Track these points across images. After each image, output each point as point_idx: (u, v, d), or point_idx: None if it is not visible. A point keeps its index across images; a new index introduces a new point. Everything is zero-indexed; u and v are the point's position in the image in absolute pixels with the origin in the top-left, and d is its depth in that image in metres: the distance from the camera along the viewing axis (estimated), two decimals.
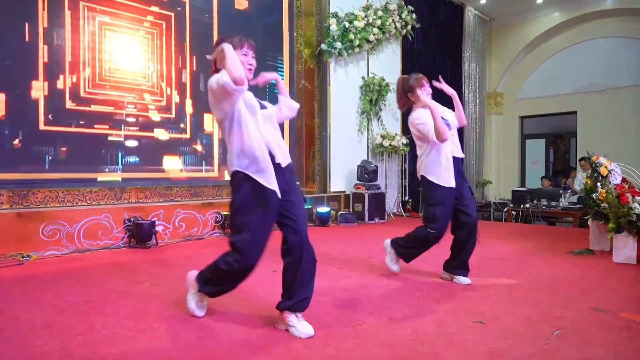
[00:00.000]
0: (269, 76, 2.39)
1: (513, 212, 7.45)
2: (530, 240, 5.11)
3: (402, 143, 7.39)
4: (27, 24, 4.27)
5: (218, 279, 2.27)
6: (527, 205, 7.27)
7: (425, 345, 2.02)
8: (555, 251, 4.38)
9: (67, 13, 4.51)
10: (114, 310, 2.49)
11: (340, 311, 2.49)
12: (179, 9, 5.35)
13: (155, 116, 5.16)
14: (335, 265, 3.71)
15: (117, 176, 4.85)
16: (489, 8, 9.90)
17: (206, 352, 1.93)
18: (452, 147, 3.13)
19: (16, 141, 4.22)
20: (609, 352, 1.96)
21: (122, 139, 4.89)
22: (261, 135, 2.15)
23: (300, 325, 2.13)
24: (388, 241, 3.36)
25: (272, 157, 2.14)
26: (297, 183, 2.31)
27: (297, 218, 2.17)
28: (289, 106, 2.53)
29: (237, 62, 2.04)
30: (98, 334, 2.14)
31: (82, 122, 4.60)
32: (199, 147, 5.57)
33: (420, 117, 3.06)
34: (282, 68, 6.47)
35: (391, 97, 7.54)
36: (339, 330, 2.19)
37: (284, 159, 2.20)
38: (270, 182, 2.10)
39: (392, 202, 7.65)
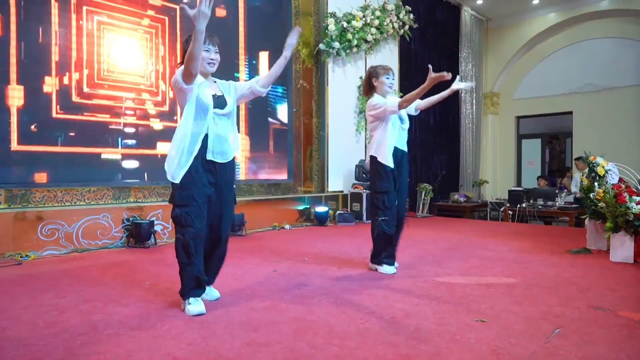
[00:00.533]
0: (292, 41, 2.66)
1: (509, 211, 7.48)
2: (528, 239, 5.14)
3: None
4: (40, 28, 4.31)
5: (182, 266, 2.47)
6: (524, 205, 7.30)
7: (428, 343, 2.03)
8: (553, 250, 4.41)
9: (73, 16, 4.53)
10: (116, 309, 2.49)
11: (342, 310, 2.50)
12: (172, 13, 5.33)
13: (152, 109, 5.13)
14: (335, 264, 3.72)
15: (118, 152, 4.85)
16: (486, 8, 9.94)
17: (210, 352, 1.93)
18: (399, 141, 3.40)
19: (33, 126, 4.29)
20: (610, 350, 1.98)
21: (121, 127, 4.89)
22: (200, 132, 2.40)
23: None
24: (370, 264, 3.54)
25: (205, 154, 2.43)
26: (234, 185, 2.65)
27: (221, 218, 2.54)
28: (253, 90, 2.68)
29: (197, 53, 2.21)
30: (101, 333, 2.13)
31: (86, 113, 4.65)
32: None
33: (375, 99, 3.34)
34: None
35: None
36: (342, 329, 2.20)
37: (222, 157, 2.49)
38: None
39: None
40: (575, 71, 9.64)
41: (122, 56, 4.90)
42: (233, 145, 2.57)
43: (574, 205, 7.15)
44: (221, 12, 5.79)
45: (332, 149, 6.86)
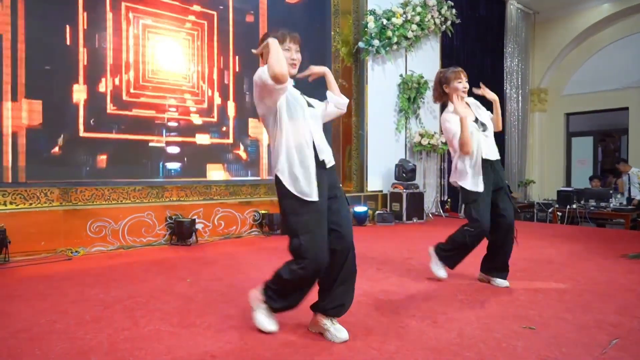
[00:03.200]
0: (317, 70, 2.30)
1: (559, 212, 7.13)
2: (579, 242, 4.87)
3: (441, 142, 7.22)
4: (68, 26, 4.41)
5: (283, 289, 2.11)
6: (574, 206, 6.94)
7: (472, 350, 1.94)
8: (606, 254, 4.15)
9: (109, 16, 4.66)
10: (157, 306, 2.54)
11: (381, 313, 2.44)
12: (221, 7, 5.41)
13: (197, 119, 5.25)
14: (374, 265, 3.65)
15: (162, 141, 4.97)
16: (533, 1, 9.52)
17: (248, 351, 1.93)
18: (485, 150, 3.04)
19: (56, 149, 4.35)
20: None
21: (163, 145, 5.00)
22: (304, 133, 2.04)
23: (334, 329, 2.05)
24: (432, 247, 3.23)
25: (317, 156, 2.05)
26: (340, 186, 2.22)
27: (342, 223, 2.07)
28: (336, 102, 2.36)
29: (279, 57, 1.94)
30: (143, 329, 2.18)
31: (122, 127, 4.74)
32: (242, 154, 5.65)
33: (450, 119, 3.01)
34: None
35: (430, 95, 7.37)
36: (381, 333, 2.14)
37: (329, 159, 2.11)
38: (310, 185, 1.99)
39: (430, 201, 7.49)
40: (630, 65, 9.06)
41: (165, 60, 5.03)
42: (329, 147, 2.19)
43: (629, 207, 6.72)
44: (263, 9, 5.84)
45: (371, 148, 6.78)
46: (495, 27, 9.35)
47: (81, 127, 4.48)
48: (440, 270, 3.15)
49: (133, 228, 4.49)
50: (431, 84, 7.27)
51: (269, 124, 2.11)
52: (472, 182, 2.98)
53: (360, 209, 6.28)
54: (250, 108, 5.67)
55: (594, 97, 9.62)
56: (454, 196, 7.93)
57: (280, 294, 2.12)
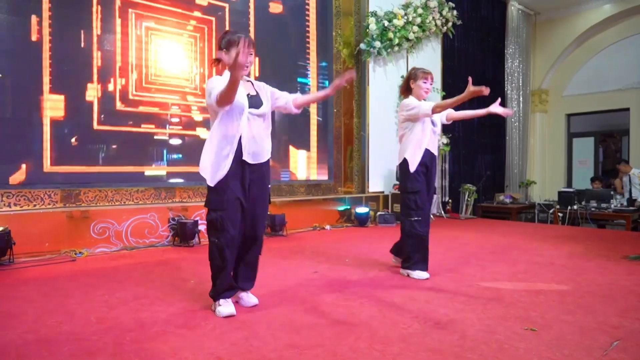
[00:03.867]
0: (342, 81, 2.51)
1: (559, 213, 7.15)
2: (580, 243, 4.88)
3: (443, 143, 7.24)
4: (82, 32, 4.49)
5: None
6: (575, 207, 6.96)
7: (474, 352, 1.96)
8: (608, 256, 4.17)
9: (118, 21, 4.71)
10: (162, 307, 2.57)
11: (384, 315, 2.46)
12: (219, 13, 5.45)
13: (198, 116, 5.28)
14: (376, 266, 3.68)
15: (163, 169, 5.01)
16: (534, 2, 9.54)
17: (252, 352, 1.95)
18: (430, 143, 3.35)
19: (73, 139, 4.46)
20: None
21: (167, 138, 5.05)
22: (233, 133, 2.37)
23: (247, 296, 2.61)
24: (402, 269, 3.41)
25: (240, 155, 2.40)
26: (270, 185, 2.60)
27: (256, 214, 2.53)
28: (287, 106, 2.65)
29: (233, 93, 2.23)
30: (148, 330, 2.20)
31: (130, 122, 4.81)
32: None
33: (412, 102, 3.31)
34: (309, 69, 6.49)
35: (431, 97, 7.37)
36: (384, 334, 2.16)
37: (255, 158, 2.44)
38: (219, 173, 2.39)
39: (432, 202, 7.50)
40: (632, 65, 9.07)
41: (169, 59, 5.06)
42: (267, 146, 2.52)
43: (631, 208, 6.74)
44: (277, 8, 5.86)
45: (372, 150, 6.80)
46: (496, 28, 9.37)
47: (95, 121, 4.57)
48: (422, 274, 3.26)
49: (136, 229, 4.52)
50: (433, 85, 7.33)
51: (211, 117, 2.47)
52: (418, 157, 3.29)
53: (361, 210, 6.30)
54: None
55: (595, 98, 9.63)
56: (455, 197, 7.96)
57: (213, 278, 2.48)
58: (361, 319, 2.38)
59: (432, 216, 7.16)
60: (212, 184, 2.41)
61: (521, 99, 9.73)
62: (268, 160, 2.56)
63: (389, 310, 2.52)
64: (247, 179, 2.45)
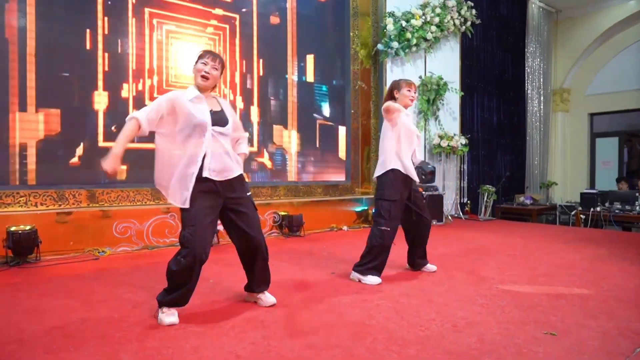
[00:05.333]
0: None
1: (582, 215, 7.01)
2: (603, 246, 4.79)
3: (461, 143, 7.18)
4: (88, 31, 4.53)
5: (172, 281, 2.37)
6: (598, 209, 6.81)
7: (492, 355, 1.95)
8: (632, 259, 4.08)
9: (132, 21, 4.77)
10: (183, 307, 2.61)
11: (401, 316, 2.46)
12: (244, 10, 5.50)
13: None
14: (393, 267, 3.67)
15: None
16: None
17: (271, 351, 1.98)
18: (415, 152, 3.45)
19: (75, 159, 4.44)
20: None
21: None
22: (196, 151, 2.33)
23: (264, 297, 2.64)
24: (353, 272, 3.30)
25: (201, 173, 2.34)
26: (249, 193, 2.55)
27: (250, 225, 2.51)
28: (241, 146, 2.66)
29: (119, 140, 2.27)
30: (169, 329, 2.26)
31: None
32: (267, 162, 5.71)
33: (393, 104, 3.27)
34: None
35: (449, 97, 7.35)
36: (401, 336, 2.17)
37: (221, 175, 2.38)
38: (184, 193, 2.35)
39: (450, 204, 7.45)
40: None
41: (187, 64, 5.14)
42: (234, 163, 2.45)
43: None
44: (293, 6, 5.91)
45: None
46: (516, 27, 9.24)
47: (100, 135, 4.57)
48: (375, 279, 3.16)
49: (157, 229, 4.61)
50: (451, 86, 7.30)
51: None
52: (403, 163, 3.30)
53: None
54: (275, 114, 5.76)
55: (619, 97, 9.41)
56: (474, 198, 7.88)
57: (169, 289, 2.38)
58: (378, 320, 2.39)
59: (450, 217, 7.11)
60: (180, 205, 2.35)
61: (542, 98, 9.58)
62: (239, 175, 2.48)
63: (406, 312, 2.53)
64: (221, 197, 2.39)
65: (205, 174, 2.34)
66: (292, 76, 5.99)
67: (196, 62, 2.45)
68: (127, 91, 4.73)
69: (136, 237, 4.49)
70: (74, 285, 3.10)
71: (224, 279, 3.28)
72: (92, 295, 2.84)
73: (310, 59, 6.20)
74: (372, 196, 6.60)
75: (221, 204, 2.42)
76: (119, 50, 4.69)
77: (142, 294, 2.87)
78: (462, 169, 7.74)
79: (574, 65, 10.00)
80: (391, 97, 3.42)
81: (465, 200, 7.77)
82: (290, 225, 5.37)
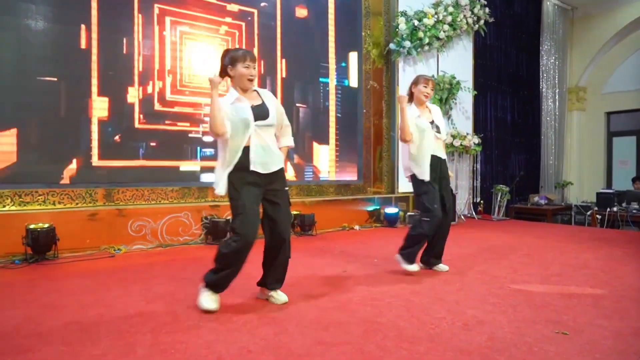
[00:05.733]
0: None
1: (598, 216, 6.91)
2: (618, 246, 4.72)
3: (474, 143, 7.14)
4: (125, 39, 4.70)
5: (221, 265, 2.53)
6: (615, 209, 6.71)
7: (503, 353, 1.95)
8: None
9: (156, 28, 4.89)
10: (196, 303, 2.65)
11: (411, 314, 2.47)
12: (249, 18, 5.56)
13: None
14: None
15: (197, 164, 5.17)
16: None
17: (282, 347, 2.01)
18: (434, 147, 3.45)
19: (117, 137, 4.67)
20: None
21: (200, 135, 5.20)
22: (240, 145, 2.46)
23: (277, 295, 2.68)
24: (397, 254, 3.51)
25: (247, 166, 2.47)
26: (286, 188, 2.64)
27: (278, 218, 2.58)
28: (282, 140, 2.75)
29: (217, 117, 2.40)
30: (183, 324, 2.30)
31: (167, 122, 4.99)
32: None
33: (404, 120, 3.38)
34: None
35: (462, 96, 7.30)
36: (412, 333, 2.18)
37: (265, 168, 2.50)
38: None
39: (462, 203, 7.41)
40: None
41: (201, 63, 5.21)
42: (277, 155, 2.58)
43: None
44: (301, 12, 5.95)
45: (402, 150, 6.76)
46: (530, 25, 9.15)
47: (136, 120, 4.77)
48: (412, 266, 3.40)
49: (171, 227, 4.68)
50: (464, 85, 7.25)
51: None
52: (419, 171, 3.39)
53: (391, 210, 6.29)
54: (288, 113, 5.79)
55: (637, 95, 9.24)
56: (487, 198, 7.82)
57: (216, 270, 2.53)
58: (389, 318, 2.40)
59: (462, 217, 7.07)
60: (222, 192, 2.51)
61: (557, 97, 9.45)
62: (281, 168, 2.61)
63: (416, 310, 2.53)
64: (262, 188, 2.53)
65: (251, 167, 2.48)
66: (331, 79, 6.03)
67: (234, 64, 2.52)
68: (133, 96, 4.82)
69: (151, 236, 4.57)
70: (90, 281, 3.17)
71: (238, 276, 3.31)
72: (108, 292, 2.90)
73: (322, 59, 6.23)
74: (384, 196, 6.61)
75: (262, 194, 2.55)
76: (125, 51, 4.77)
77: (157, 291, 2.92)
78: (475, 169, 7.69)
79: (590, 63, 9.85)
80: (410, 92, 3.53)
81: (478, 200, 7.72)
82: (303, 225, 5.40)
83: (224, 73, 2.59)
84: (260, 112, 2.53)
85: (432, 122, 3.47)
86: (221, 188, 2.50)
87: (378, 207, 6.45)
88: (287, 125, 2.75)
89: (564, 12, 9.60)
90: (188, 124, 5.12)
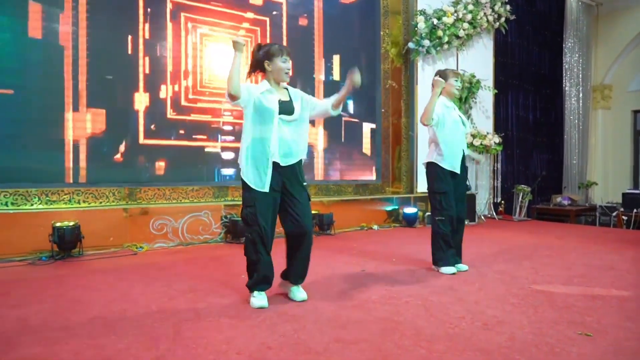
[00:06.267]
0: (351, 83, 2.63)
1: (624, 217, 6.74)
2: None
3: (495, 142, 7.04)
4: (130, 37, 4.73)
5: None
6: None
7: (524, 354, 1.93)
8: None
9: (169, 25, 4.94)
10: (216, 300, 2.71)
11: (430, 313, 2.46)
12: (274, 12, 5.60)
13: None
14: (423, 266, 3.66)
15: (217, 146, 5.25)
16: None
17: (300, 344, 2.03)
18: (460, 140, 3.49)
19: (118, 155, 4.67)
20: None
21: (218, 150, 5.25)
22: (265, 136, 2.53)
23: (297, 290, 2.72)
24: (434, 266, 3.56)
25: (269, 157, 2.53)
26: (305, 183, 2.68)
27: (299, 212, 2.61)
28: (327, 109, 2.79)
29: (232, 75, 2.45)
30: (204, 320, 2.34)
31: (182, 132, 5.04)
32: None
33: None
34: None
35: (482, 95, 7.21)
36: (430, 333, 2.17)
37: (285, 160, 2.56)
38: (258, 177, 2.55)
39: (482, 203, 7.31)
40: None
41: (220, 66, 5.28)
42: (298, 149, 2.63)
43: None
44: (320, 7, 5.97)
45: (421, 150, 6.71)
46: (553, 22, 8.97)
47: (141, 133, 4.79)
48: (449, 269, 3.41)
49: (191, 226, 4.76)
50: (484, 83, 7.16)
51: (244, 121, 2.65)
52: (446, 157, 3.42)
53: (410, 210, 6.26)
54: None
55: None
56: (508, 198, 7.70)
57: (247, 267, 2.63)
58: (407, 317, 2.40)
59: (482, 217, 6.99)
60: (253, 186, 2.56)
61: (581, 95, 9.25)
62: (300, 161, 2.67)
63: (435, 310, 2.52)
64: (281, 179, 2.58)
65: (271, 158, 2.54)
66: (320, 76, 6.03)
67: (271, 58, 2.61)
68: (164, 92, 4.91)
69: (172, 234, 4.65)
70: (114, 278, 3.25)
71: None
72: (131, 288, 2.97)
73: (336, 58, 6.23)
74: (403, 195, 6.58)
75: (280, 186, 2.60)
76: (157, 54, 4.88)
77: (178, 287, 2.98)
78: (495, 168, 7.59)
79: (615, 61, 9.60)
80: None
81: (499, 200, 7.61)
82: (321, 224, 5.42)
83: (258, 67, 2.66)
84: (286, 108, 2.61)
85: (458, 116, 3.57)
86: (247, 177, 2.57)
87: (397, 207, 6.42)
88: (311, 98, 2.78)
89: (588, 9, 9.38)
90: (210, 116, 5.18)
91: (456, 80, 3.50)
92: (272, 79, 2.64)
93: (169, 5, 4.94)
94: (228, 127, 5.33)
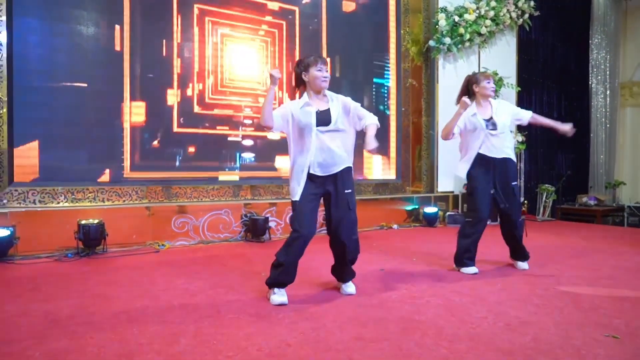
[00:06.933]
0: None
1: None
2: None
3: (517, 141, 6.90)
4: (164, 41, 4.87)
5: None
6: None
7: (548, 355, 1.88)
8: None
9: (196, 29, 5.05)
10: (236, 297, 2.73)
11: (452, 313, 2.43)
12: (290, 17, 5.63)
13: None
14: (444, 266, 3.62)
15: (235, 175, 5.28)
16: None
17: (320, 342, 2.03)
18: (487, 147, 3.40)
19: (155, 142, 4.85)
20: None
21: (239, 139, 5.32)
22: (307, 149, 2.62)
23: (345, 286, 2.85)
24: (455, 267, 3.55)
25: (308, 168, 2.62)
26: (348, 191, 2.69)
27: (341, 218, 2.68)
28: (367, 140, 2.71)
29: (266, 108, 2.57)
30: (224, 317, 2.36)
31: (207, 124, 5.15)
32: None
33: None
34: (388, 67, 6.48)
35: (505, 93, 7.07)
36: (452, 332, 2.14)
37: (324, 170, 2.63)
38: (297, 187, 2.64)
39: None
40: None
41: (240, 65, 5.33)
42: (339, 158, 2.64)
43: None
44: (350, 5, 5.97)
45: (442, 149, 6.64)
46: (579, 18, 8.74)
47: (175, 124, 4.96)
48: (470, 269, 3.41)
49: (212, 225, 4.81)
50: (507, 81, 7.05)
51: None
52: (462, 167, 3.48)
53: (430, 209, 6.19)
54: None
55: None
56: (531, 198, 7.55)
57: (274, 264, 2.67)
58: (428, 316, 2.37)
59: None
60: (292, 197, 2.67)
61: (608, 92, 8.98)
62: (342, 169, 2.67)
63: (457, 309, 2.49)
64: (322, 188, 2.67)
65: (311, 170, 2.63)
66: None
67: (307, 69, 2.67)
68: (191, 90, 5.00)
69: (193, 232, 4.71)
70: (137, 275, 3.31)
71: None
72: (154, 285, 3.02)
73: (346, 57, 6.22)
74: (423, 195, 6.51)
75: (322, 193, 2.70)
76: (186, 54, 5.01)
77: (199, 285, 3.02)
78: (518, 168, 7.43)
79: None
80: (467, 91, 3.53)
81: (523, 199, 7.45)
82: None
83: (299, 81, 2.73)
84: (323, 118, 2.64)
85: (489, 119, 3.42)
86: (297, 194, 2.64)
87: (417, 207, 6.36)
88: (356, 107, 2.74)
89: (616, 4, 9.10)
90: (227, 128, 5.26)
91: (488, 82, 3.46)
92: (310, 89, 2.70)
93: (196, 11, 5.06)
94: (248, 121, 5.38)
